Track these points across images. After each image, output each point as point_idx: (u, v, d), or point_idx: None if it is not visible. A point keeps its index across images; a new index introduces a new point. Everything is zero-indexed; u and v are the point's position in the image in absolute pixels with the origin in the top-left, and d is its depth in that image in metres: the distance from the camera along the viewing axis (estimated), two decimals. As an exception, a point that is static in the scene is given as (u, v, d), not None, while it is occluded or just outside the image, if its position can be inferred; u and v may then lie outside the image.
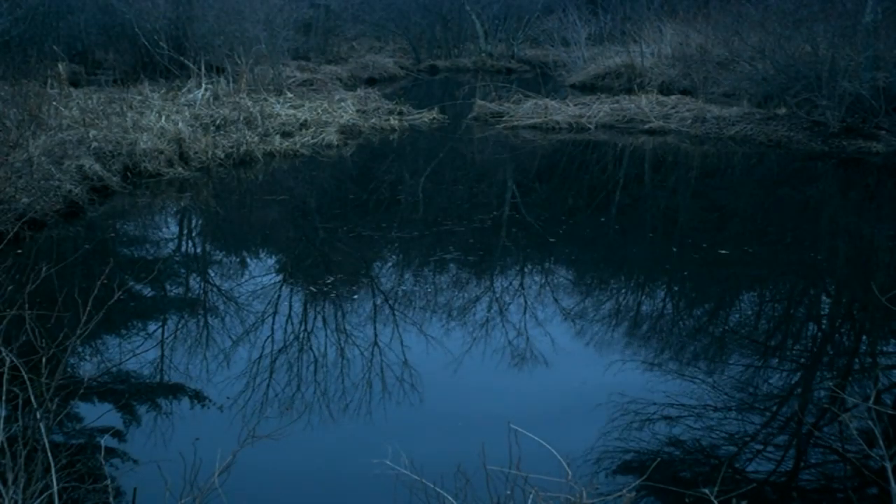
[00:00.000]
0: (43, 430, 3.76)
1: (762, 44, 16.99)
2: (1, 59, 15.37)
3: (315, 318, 7.37)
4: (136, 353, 6.38)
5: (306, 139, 14.65)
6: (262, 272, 8.80)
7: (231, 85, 17.19)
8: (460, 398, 6.03)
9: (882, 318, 7.65)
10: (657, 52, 23.45)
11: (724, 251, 9.14)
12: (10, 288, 5.10)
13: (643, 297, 8.31)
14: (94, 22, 21.34)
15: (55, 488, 3.52)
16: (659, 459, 4.99)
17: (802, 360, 6.94)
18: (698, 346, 7.11)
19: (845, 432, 5.50)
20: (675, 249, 9.74)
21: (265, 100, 16.59)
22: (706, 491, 3.61)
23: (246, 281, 8.41)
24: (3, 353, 3.99)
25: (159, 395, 5.91)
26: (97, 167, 11.08)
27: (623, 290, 8.59)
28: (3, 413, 3.78)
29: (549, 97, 18.59)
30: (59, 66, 17.02)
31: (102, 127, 12.46)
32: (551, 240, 9.74)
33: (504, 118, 17.72)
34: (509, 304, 7.81)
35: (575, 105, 18.25)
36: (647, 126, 17.00)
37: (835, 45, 15.39)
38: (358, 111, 17.21)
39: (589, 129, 17.02)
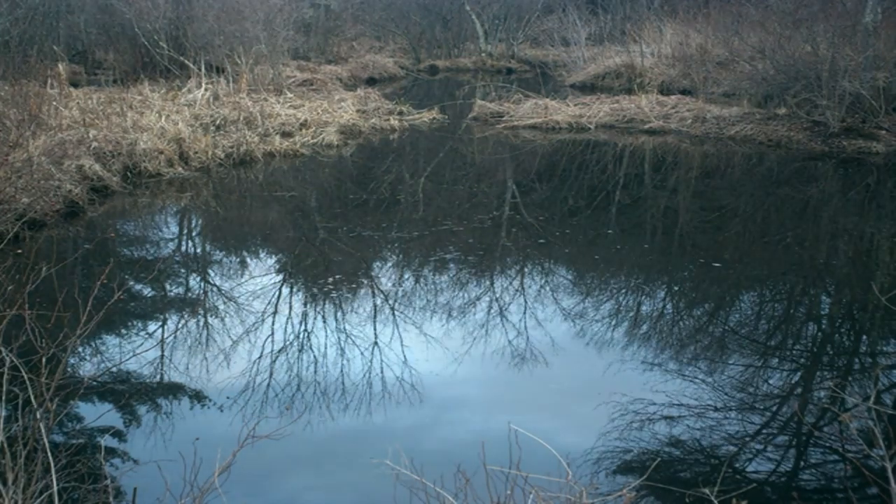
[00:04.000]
0: (43, 430, 3.76)
1: (762, 44, 17.01)
2: (1, 59, 15.36)
3: (315, 318, 7.37)
4: (136, 353, 6.38)
5: (306, 139, 14.66)
6: (262, 272, 8.80)
7: (231, 85, 17.20)
8: (460, 398, 6.03)
9: (882, 318, 7.65)
10: (657, 52, 23.48)
11: (717, 264, 9.12)
12: (10, 288, 5.10)
13: (643, 298, 8.31)
14: (94, 22, 21.37)
15: (55, 488, 3.52)
16: (659, 459, 5.00)
17: (802, 360, 6.93)
18: (698, 346, 7.11)
19: (845, 432, 5.50)
20: (674, 249, 9.74)
21: (265, 100, 16.59)
22: (706, 491, 3.61)
23: (246, 281, 8.40)
24: (3, 353, 3.99)
25: (159, 395, 5.91)
26: (97, 167, 11.08)
27: (623, 291, 8.59)
28: (3, 413, 3.78)
29: (549, 97, 18.58)
30: (59, 66, 17.02)
31: (102, 127, 12.45)
32: (547, 240, 9.75)
33: (504, 118, 17.72)
34: (509, 304, 7.81)
35: (575, 105, 18.26)
36: (647, 126, 17.00)
37: (835, 45, 15.39)
38: (358, 111, 17.21)
39: (589, 129, 17.02)
